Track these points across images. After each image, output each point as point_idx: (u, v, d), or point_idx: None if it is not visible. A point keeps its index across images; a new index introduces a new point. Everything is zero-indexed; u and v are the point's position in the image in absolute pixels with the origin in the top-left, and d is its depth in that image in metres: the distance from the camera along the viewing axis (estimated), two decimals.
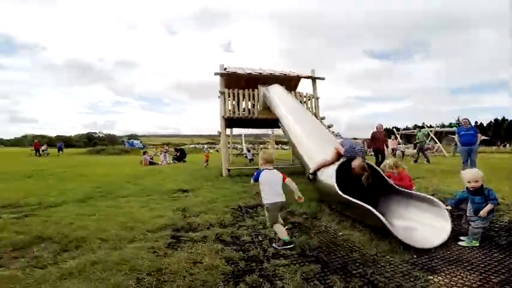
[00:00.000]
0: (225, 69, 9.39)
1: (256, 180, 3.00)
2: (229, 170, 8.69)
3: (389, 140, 13.70)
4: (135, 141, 53.02)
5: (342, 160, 3.87)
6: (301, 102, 8.62)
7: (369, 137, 9.58)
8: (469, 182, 2.80)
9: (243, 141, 29.71)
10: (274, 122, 10.33)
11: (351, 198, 3.19)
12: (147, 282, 2.04)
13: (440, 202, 3.04)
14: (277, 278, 2.17)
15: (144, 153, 16.08)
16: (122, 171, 10.57)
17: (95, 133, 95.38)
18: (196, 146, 58.04)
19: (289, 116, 6.23)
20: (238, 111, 8.75)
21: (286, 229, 3.02)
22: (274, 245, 2.83)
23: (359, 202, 3.06)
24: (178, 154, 17.45)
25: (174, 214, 3.95)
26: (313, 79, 9.56)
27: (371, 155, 11.42)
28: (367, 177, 3.51)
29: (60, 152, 25.90)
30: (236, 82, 9.65)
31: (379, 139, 9.09)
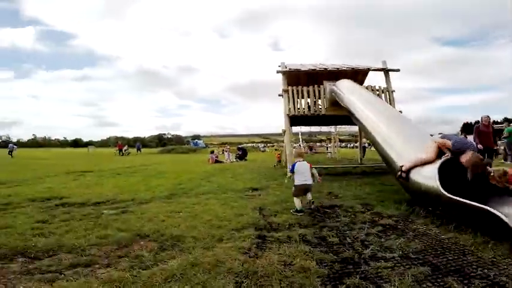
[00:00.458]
0: (285, 67, 9.31)
1: (292, 171, 4.19)
2: None
3: None
4: (199, 141, 56.79)
5: (445, 158, 3.44)
6: None
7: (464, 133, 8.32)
8: None
9: (300, 139, 29.22)
10: (342, 119, 9.90)
11: (463, 200, 2.89)
12: (246, 287, 2.06)
13: None
14: (382, 281, 2.08)
15: (212, 152, 17.07)
16: (193, 168, 11.37)
17: (164, 134, 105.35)
18: (254, 145, 59.38)
19: (366, 110, 5.83)
20: (304, 108, 8.57)
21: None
22: (291, 211, 4.01)
23: (476, 204, 2.75)
24: (240, 153, 18.18)
25: (253, 213, 4.03)
26: (386, 71, 8.83)
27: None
28: (482, 171, 3.08)
29: (139, 151, 29.25)
30: (296, 79, 9.49)
31: (487, 134, 7.81)
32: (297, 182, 4.10)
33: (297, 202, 4.03)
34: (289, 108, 8.54)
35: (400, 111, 8.18)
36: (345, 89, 7.12)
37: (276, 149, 23.68)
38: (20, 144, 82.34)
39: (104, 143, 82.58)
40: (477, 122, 7.73)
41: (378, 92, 8.48)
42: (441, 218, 3.45)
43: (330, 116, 8.65)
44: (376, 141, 5.12)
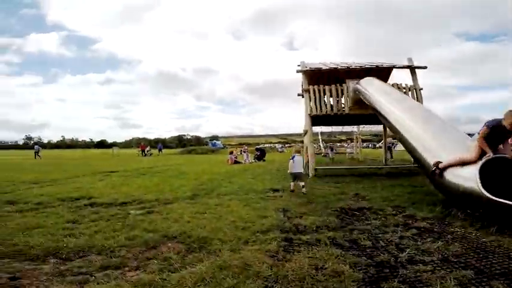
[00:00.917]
0: (305, 66, 9.14)
1: (293, 159, 5.61)
2: (316, 170, 8.42)
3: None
4: (217, 142, 57.33)
5: (486, 158, 3.21)
6: None
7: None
8: None
9: (320, 139, 28.74)
10: (364, 118, 9.62)
11: (506, 201, 2.74)
12: None
13: None
14: (422, 284, 2.00)
15: (231, 152, 17.15)
16: (213, 169, 11.44)
17: (184, 135, 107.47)
18: (271, 145, 59.23)
19: (395, 109, 5.59)
20: (326, 108, 8.38)
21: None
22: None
23: None
24: (258, 153, 18.11)
25: (277, 214, 3.96)
26: (412, 68, 8.45)
27: None
28: None
29: (160, 152, 29.96)
30: (317, 79, 9.30)
31: None
32: (291, 170, 5.66)
33: (292, 184, 5.67)
34: (311, 108, 8.38)
35: None
36: (371, 87, 6.87)
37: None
38: (49, 145, 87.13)
39: (127, 144, 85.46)
40: None
41: (404, 90, 8.14)
42: (481, 221, 3.27)
43: (353, 115, 8.42)
44: (406, 140, 4.88)
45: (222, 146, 49.73)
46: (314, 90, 8.42)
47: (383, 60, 8.91)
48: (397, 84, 8.26)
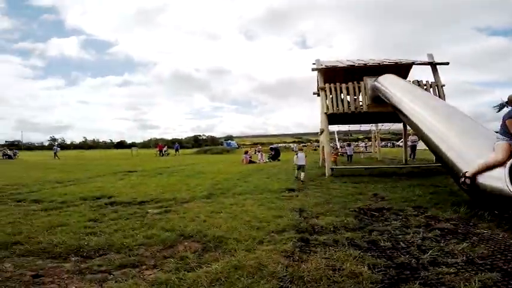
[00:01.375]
0: (320, 64, 9.00)
1: (297, 155, 7.62)
2: (332, 169, 8.29)
3: None
4: (232, 142, 57.73)
5: None
6: None
7: None
8: None
9: (336, 138, 28.25)
10: (383, 116, 9.38)
11: None
12: None
13: None
14: (445, 287, 1.94)
15: (246, 152, 17.20)
16: (228, 169, 11.52)
17: (200, 135, 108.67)
18: (285, 145, 58.87)
19: (416, 106, 5.39)
20: (343, 106, 8.22)
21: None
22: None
23: None
24: (273, 153, 18.07)
25: (293, 214, 3.91)
26: (433, 65, 8.13)
27: None
28: None
29: (177, 152, 30.50)
30: (332, 77, 9.14)
31: None
32: (296, 162, 7.59)
33: (295, 173, 7.67)
34: (327, 106, 8.24)
35: None
36: (390, 84, 6.65)
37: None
38: (73, 146, 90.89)
39: (145, 144, 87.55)
40: None
41: (425, 87, 7.84)
42: (509, 222, 3.11)
43: (371, 113, 8.21)
44: (429, 139, 4.69)
45: (237, 146, 50.04)
46: (330, 88, 8.28)
47: (404, 57, 8.63)
48: (418, 81, 7.97)
